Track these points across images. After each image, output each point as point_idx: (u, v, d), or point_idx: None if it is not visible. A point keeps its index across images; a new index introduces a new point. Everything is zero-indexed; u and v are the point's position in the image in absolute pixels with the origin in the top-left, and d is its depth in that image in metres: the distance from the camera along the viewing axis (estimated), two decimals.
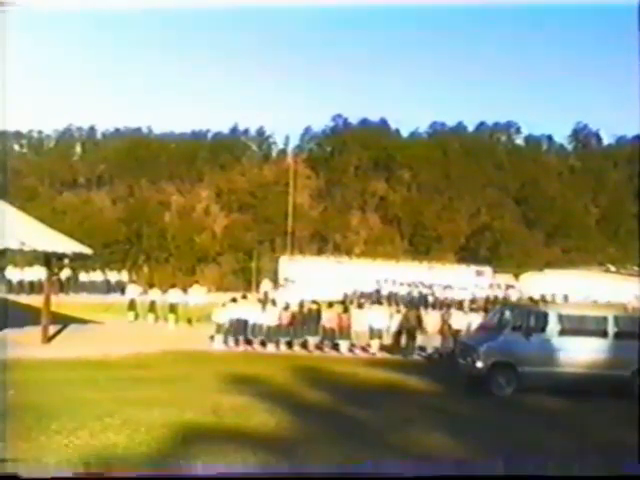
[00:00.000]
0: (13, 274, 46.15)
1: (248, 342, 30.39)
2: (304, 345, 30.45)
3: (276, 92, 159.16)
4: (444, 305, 38.15)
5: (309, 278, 46.25)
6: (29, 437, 12.75)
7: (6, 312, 29.91)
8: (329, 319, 30.53)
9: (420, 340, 30.60)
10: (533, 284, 49.37)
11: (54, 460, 11.50)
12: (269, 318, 30.27)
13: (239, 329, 30.22)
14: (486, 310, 35.23)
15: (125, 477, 11.04)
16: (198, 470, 11.27)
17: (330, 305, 32.37)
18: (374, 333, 30.65)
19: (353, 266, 53.10)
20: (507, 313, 24.03)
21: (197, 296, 39.33)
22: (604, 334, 21.94)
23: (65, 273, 48.29)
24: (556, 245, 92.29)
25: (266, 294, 42.87)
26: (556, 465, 12.43)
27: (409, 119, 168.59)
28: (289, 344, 30.36)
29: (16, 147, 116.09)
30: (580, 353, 21.57)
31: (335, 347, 30.30)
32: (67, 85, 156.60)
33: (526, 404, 19.98)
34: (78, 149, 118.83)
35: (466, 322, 30.13)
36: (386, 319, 31.25)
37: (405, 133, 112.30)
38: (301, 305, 31.66)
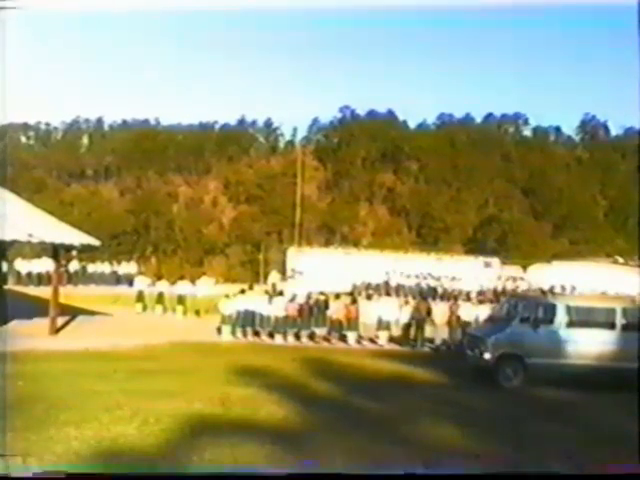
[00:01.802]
0: (21, 266, 46.23)
1: (256, 333, 30.44)
2: (312, 336, 30.51)
3: (283, 83, 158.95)
4: (452, 297, 38.11)
5: (317, 269, 46.24)
6: (38, 429, 12.77)
7: (14, 304, 29.98)
8: (337, 310, 30.58)
9: (428, 332, 30.61)
10: (541, 276, 49.29)
11: (63, 452, 11.52)
12: (276, 309, 30.32)
13: (247, 320, 30.29)
14: (494, 301, 35.29)
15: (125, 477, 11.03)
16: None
17: (338, 296, 32.41)
18: (382, 325, 30.69)
19: (361, 257, 52.98)
20: (515, 305, 24.04)
21: (205, 287, 39.43)
22: (612, 326, 21.97)
23: (73, 265, 48.35)
24: (564, 236, 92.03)
25: (274, 285, 42.93)
26: (561, 460, 12.43)
27: (417, 110, 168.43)
28: (297, 335, 30.41)
29: (23, 139, 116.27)
30: (588, 345, 21.59)
31: (343, 339, 30.34)
32: (74, 77, 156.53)
33: (533, 396, 20.01)
34: (85, 141, 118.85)
35: (474, 314, 30.14)
36: (395, 311, 31.28)
37: (413, 124, 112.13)
38: (309, 297, 31.70)
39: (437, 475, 11.02)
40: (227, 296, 31.73)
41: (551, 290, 38.62)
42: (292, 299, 31.23)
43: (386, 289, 45.24)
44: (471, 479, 11.20)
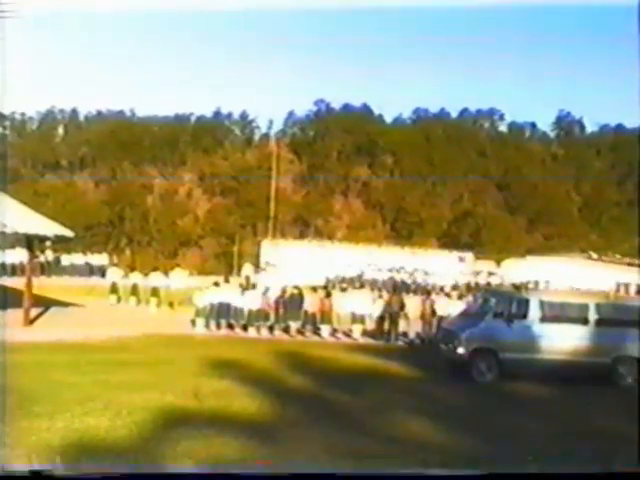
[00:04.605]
0: None
1: (230, 326, 30.39)
2: (286, 330, 30.47)
3: (259, 76, 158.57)
4: (425, 291, 38.17)
5: (291, 262, 46.25)
6: (10, 420, 12.69)
7: None
8: (311, 304, 30.55)
9: (402, 326, 30.61)
10: (515, 270, 49.60)
11: (35, 444, 11.46)
12: (250, 302, 30.26)
13: (221, 313, 30.23)
14: (467, 296, 35.38)
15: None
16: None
17: (314, 290, 32.39)
18: (356, 318, 30.69)
19: (335, 251, 53.07)
20: (489, 299, 24.08)
21: (179, 280, 39.26)
22: (585, 321, 22.00)
23: (47, 256, 48.10)
24: (538, 232, 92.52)
25: (247, 278, 42.88)
26: (539, 456, 12.46)
27: (392, 104, 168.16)
28: (271, 328, 30.36)
29: None
30: (561, 340, 21.63)
31: (317, 332, 30.34)
32: (49, 67, 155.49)
33: (507, 391, 20.08)
34: (61, 132, 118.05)
35: (448, 308, 30.16)
36: (369, 304, 31.27)
37: (388, 119, 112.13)
38: (283, 290, 31.64)
39: (427, 475, 11.01)
40: (201, 289, 31.69)
41: (525, 285, 38.75)
42: (265, 292, 31.19)
43: (360, 282, 45.25)
44: (463, 479, 11.23)
